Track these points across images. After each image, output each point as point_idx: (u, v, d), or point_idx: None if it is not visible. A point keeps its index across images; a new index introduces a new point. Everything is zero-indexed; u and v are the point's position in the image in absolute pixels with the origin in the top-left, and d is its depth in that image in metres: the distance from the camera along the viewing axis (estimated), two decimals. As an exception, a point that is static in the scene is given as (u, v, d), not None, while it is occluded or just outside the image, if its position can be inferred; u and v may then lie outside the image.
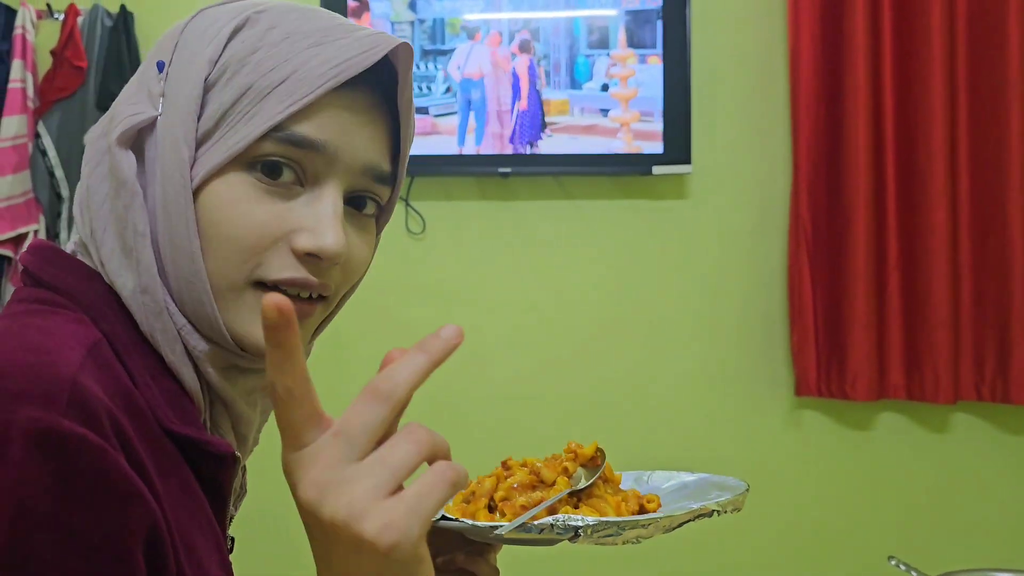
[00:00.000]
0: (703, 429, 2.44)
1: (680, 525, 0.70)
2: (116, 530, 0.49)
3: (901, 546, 2.30)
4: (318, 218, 0.61)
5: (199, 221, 0.60)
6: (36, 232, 2.36)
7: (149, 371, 0.59)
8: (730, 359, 2.44)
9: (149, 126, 0.62)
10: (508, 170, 2.38)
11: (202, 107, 0.61)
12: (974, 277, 2.31)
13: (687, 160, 2.36)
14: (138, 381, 0.58)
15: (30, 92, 2.37)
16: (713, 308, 2.45)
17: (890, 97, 2.29)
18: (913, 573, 1.32)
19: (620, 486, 0.84)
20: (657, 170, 2.36)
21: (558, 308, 2.48)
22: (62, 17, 2.42)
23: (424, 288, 2.49)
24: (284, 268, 0.61)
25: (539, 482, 0.77)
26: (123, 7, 2.43)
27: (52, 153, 2.34)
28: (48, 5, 2.46)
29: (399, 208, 2.47)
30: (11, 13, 2.43)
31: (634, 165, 2.39)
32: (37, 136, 2.36)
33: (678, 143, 2.36)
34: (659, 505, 0.78)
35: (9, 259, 2.37)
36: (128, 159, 0.61)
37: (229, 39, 0.61)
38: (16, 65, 2.36)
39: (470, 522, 0.73)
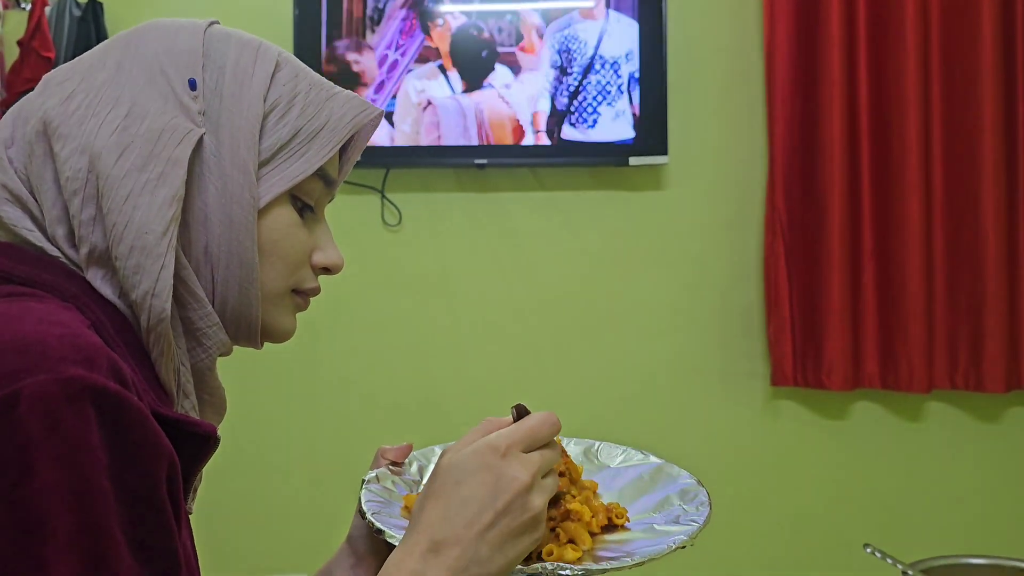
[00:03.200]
0: (680, 419, 2.45)
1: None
2: (156, 483, 0.55)
3: (877, 534, 2.32)
4: (327, 239, 0.76)
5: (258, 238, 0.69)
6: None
7: (134, 359, 0.63)
8: (707, 349, 2.45)
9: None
10: (484, 161, 2.37)
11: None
12: (948, 267, 2.33)
13: (663, 151, 2.36)
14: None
15: (-3, 83, 2.33)
16: (690, 298, 2.45)
17: (865, 89, 2.31)
18: (888, 560, 1.33)
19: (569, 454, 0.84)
20: (633, 161, 2.36)
21: (535, 299, 2.47)
22: (29, 7, 2.37)
23: (400, 280, 2.48)
24: (311, 280, 0.75)
25: None
26: (92, -4, 2.40)
27: (20, 145, 2.31)
28: (15, -6, 2.42)
29: (375, 200, 2.46)
30: (-23, 2, 2.39)
31: (610, 156, 2.39)
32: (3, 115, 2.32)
33: (654, 134, 2.36)
34: (627, 520, 0.79)
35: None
36: (184, 172, 0.65)
37: (272, 77, 0.71)
38: (-18, 56, 2.32)
39: None
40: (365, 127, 0.77)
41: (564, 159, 2.40)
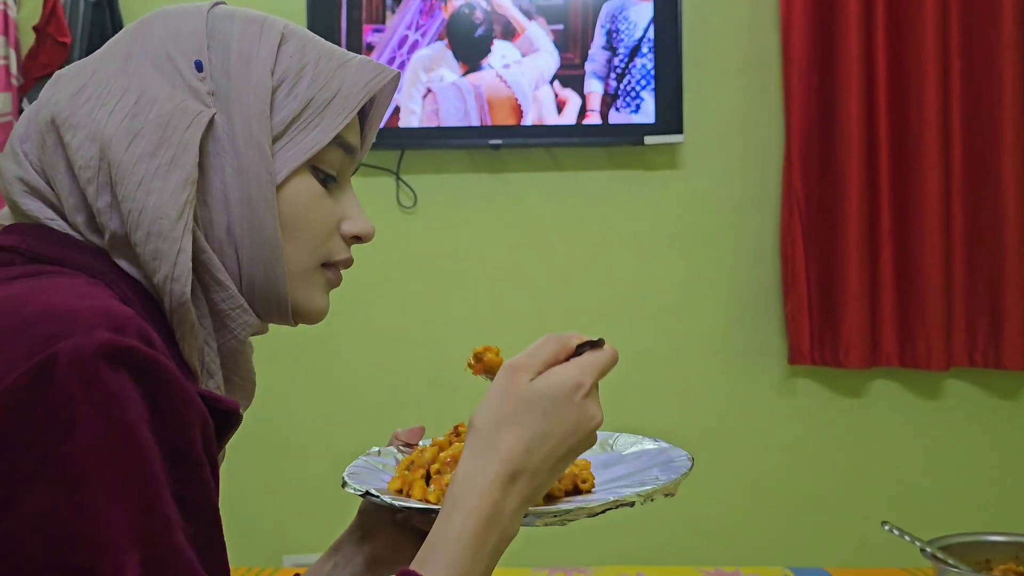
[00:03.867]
0: (697, 399, 2.45)
1: (600, 512, 0.73)
2: (192, 439, 0.56)
3: (895, 512, 2.31)
4: (354, 207, 0.75)
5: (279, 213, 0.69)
6: (24, 211, 2.34)
7: (161, 336, 0.63)
8: (724, 328, 2.44)
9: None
10: (499, 142, 2.37)
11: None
12: (967, 244, 2.31)
13: (679, 130, 2.35)
14: None
15: (13, 69, 2.34)
16: (706, 277, 2.45)
17: (883, 66, 2.28)
18: (907, 538, 1.33)
19: None
20: (649, 140, 2.35)
21: (550, 280, 2.47)
22: (44, -8, 2.38)
23: (416, 262, 2.48)
24: (341, 251, 0.74)
25: None
26: (106, -19, 2.40)
27: (38, 131, 2.32)
28: (30, -20, 2.42)
29: (390, 182, 2.46)
30: (-8, -11, 2.39)
31: (626, 135, 2.37)
32: (22, 114, 2.33)
33: (670, 113, 2.35)
34: (592, 486, 0.81)
35: (-3, 239, 2.35)
36: (196, 154, 0.65)
37: (278, 51, 0.70)
38: (-1, 42, 2.33)
39: (413, 504, 0.76)
40: (383, 91, 0.76)
41: (579, 139, 2.39)
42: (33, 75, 2.34)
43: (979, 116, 2.29)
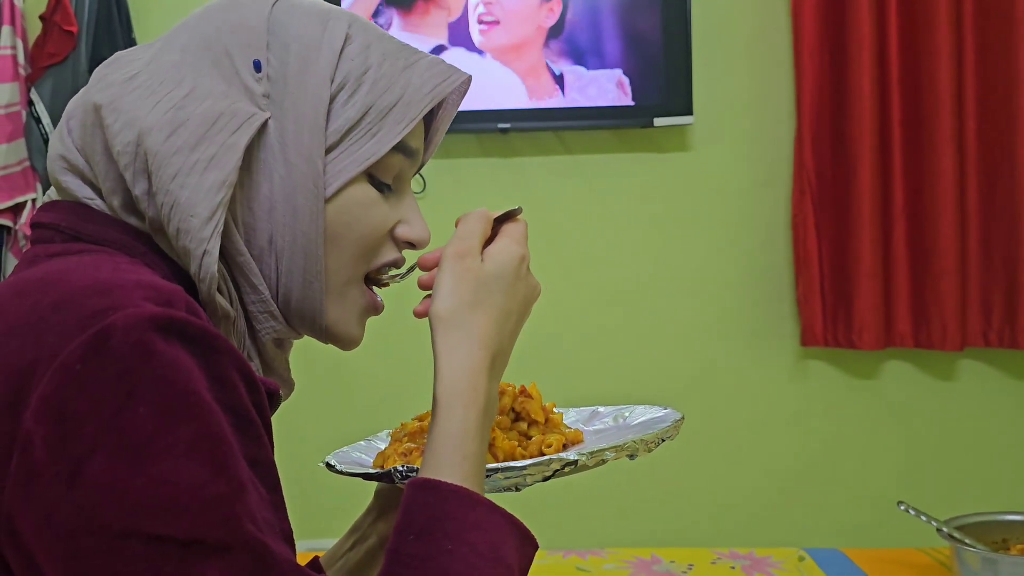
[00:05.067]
0: (709, 380, 2.44)
1: (553, 475, 0.71)
2: (248, 405, 0.56)
3: (910, 492, 2.30)
4: (412, 212, 0.72)
5: (325, 225, 0.66)
6: (34, 201, 2.34)
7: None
8: (735, 310, 2.43)
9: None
10: (507, 126, 2.35)
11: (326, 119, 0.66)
12: (981, 223, 2.29)
13: (689, 111, 2.33)
14: None
15: (21, 59, 2.34)
16: (718, 259, 2.43)
17: (895, 41, 2.25)
18: (923, 518, 1.32)
19: (582, 425, 0.86)
20: (659, 122, 2.33)
21: (560, 263, 2.46)
22: (50, -19, 2.37)
23: (426, 247, 2.47)
24: (387, 253, 0.72)
25: None
26: (112, -31, 2.39)
27: (46, 120, 2.31)
28: (35, -31, 2.42)
29: (399, 167, 2.45)
30: (-2, -22, 2.39)
31: (635, 117, 2.36)
32: (30, 104, 2.32)
33: (679, 94, 2.33)
34: (581, 443, 0.80)
35: (8, 229, 2.35)
36: (238, 159, 0.63)
37: (340, 53, 0.66)
38: (5, 31, 2.32)
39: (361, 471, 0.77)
40: (452, 94, 0.72)
41: (588, 122, 2.38)
42: (40, 64, 2.34)
43: (994, 91, 2.26)
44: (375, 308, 0.74)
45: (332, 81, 0.66)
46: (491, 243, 0.70)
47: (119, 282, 0.56)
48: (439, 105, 0.74)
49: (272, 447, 0.59)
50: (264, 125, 0.64)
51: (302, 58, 0.66)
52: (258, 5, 0.68)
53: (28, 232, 2.12)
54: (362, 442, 0.90)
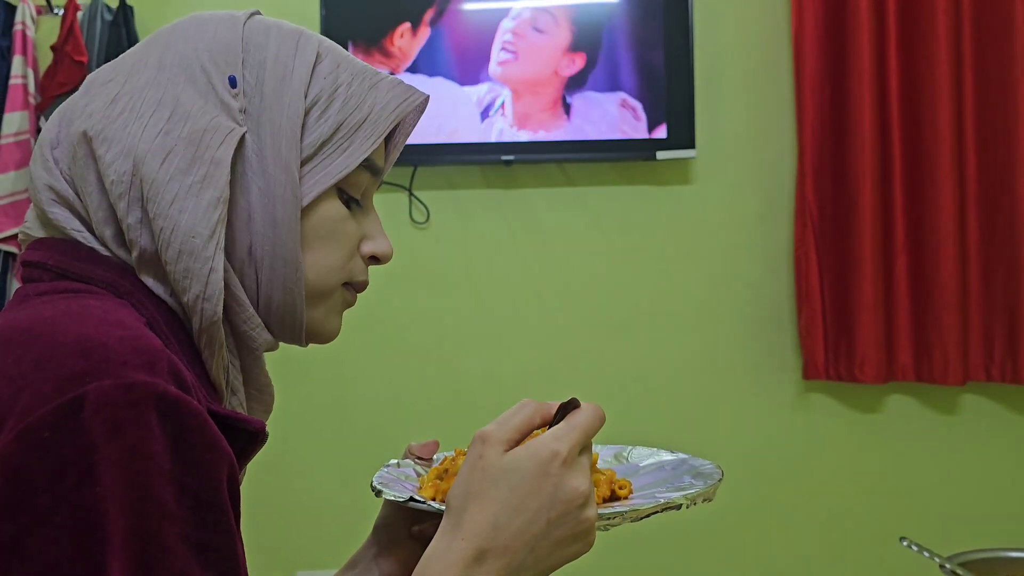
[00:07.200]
0: (711, 414, 2.44)
1: (647, 516, 0.69)
2: (217, 485, 0.55)
3: (912, 527, 2.29)
4: (377, 228, 0.75)
5: (302, 235, 0.68)
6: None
7: (187, 357, 0.64)
8: (737, 343, 2.44)
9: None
10: (511, 158, 2.37)
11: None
12: (982, 257, 2.30)
13: (691, 145, 2.35)
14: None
15: (31, 88, 2.37)
16: (720, 292, 2.44)
17: (895, 77, 2.28)
18: (926, 554, 1.31)
19: (598, 464, 0.83)
20: (661, 155, 2.35)
21: (563, 295, 2.47)
22: (62, 12, 2.41)
23: (429, 277, 2.48)
24: (362, 272, 0.74)
25: None
26: (122, 1, 2.42)
27: (55, 149, 2.34)
28: (48, 0, 2.45)
29: (403, 198, 2.47)
30: (11, 9, 2.42)
31: (638, 150, 2.38)
32: (39, 132, 2.35)
33: (682, 128, 2.35)
34: (630, 491, 0.78)
35: (14, 255, 2.37)
36: (227, 173, 0.64)
37: (313, 71, 0.69)
38: (17, 61, 2.35)
39: (433, 505, 0.73)
40: (410, 114, 0.76)
41: (591, 155, 2.40)
42: (50, 94, 2.37)
43: (993, 126, 2.28)
44: (351, 303, 0.76)
45: (306, 97, 0.68)
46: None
47: (103, 340, 0.55)
48: (398, 124, 0.77)
49: (239, 521, 0.59)
50: (242, 139, 0.66)
51: (277, 74, 0.68)
52: (231, 23, 0.70)
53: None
54: (386, 469, 0.87)
